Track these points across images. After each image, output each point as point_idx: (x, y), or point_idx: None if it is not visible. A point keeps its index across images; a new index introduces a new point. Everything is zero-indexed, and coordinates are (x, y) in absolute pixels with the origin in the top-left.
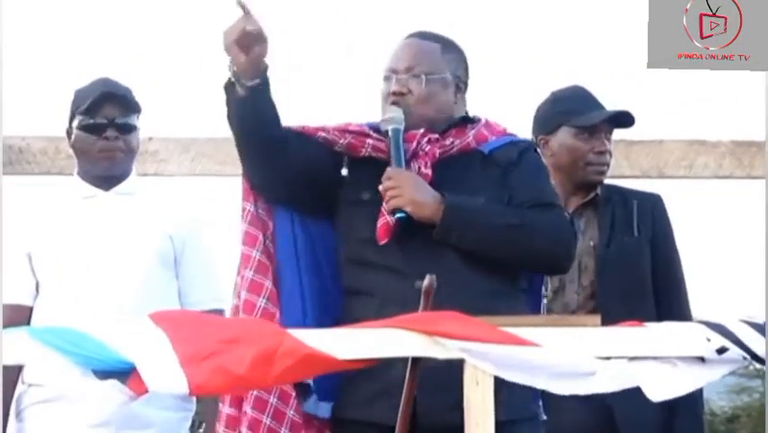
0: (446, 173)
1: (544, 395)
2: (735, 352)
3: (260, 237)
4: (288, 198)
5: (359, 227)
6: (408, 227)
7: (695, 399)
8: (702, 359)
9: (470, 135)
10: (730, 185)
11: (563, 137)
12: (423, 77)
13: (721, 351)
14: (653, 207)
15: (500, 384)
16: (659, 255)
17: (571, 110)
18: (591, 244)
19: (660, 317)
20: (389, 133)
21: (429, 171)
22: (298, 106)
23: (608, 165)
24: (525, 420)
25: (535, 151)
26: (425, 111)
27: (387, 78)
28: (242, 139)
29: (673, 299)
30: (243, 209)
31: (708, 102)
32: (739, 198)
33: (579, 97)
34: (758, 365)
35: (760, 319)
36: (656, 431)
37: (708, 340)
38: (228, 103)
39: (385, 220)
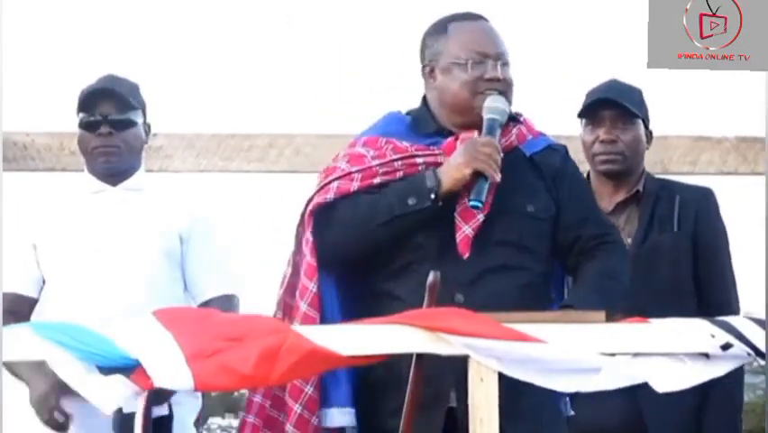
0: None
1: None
2: (739, 348)
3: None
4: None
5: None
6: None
7: (731, 393)
8: (707, 355)
9: (513, 134)
10: (734, 181)
11: (582, 133)
12: (507, 66)
13: (726, 347)
14: (698, 201)
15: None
16: (701, 250)
17: (583, 103)
18: (628, 241)
19: (702, 311)
20: (489, 122)
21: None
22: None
23: (616, 154)
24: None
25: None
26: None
27: (476, 63)
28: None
29: (716, 294)
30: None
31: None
32: (743, 194)
33: (594, 89)
34: (762, 362)
35: (764, 315)
36: (687, 428)
37: (713, 336)
38: None
39: (464, 234)
